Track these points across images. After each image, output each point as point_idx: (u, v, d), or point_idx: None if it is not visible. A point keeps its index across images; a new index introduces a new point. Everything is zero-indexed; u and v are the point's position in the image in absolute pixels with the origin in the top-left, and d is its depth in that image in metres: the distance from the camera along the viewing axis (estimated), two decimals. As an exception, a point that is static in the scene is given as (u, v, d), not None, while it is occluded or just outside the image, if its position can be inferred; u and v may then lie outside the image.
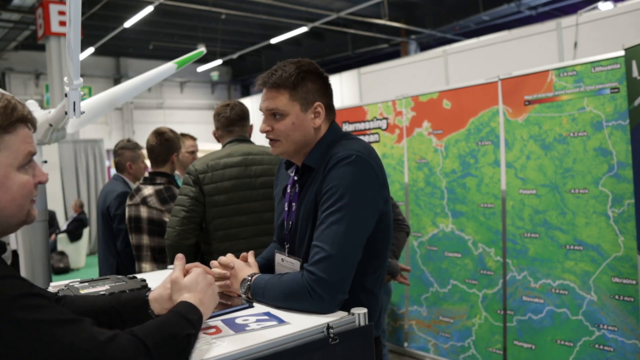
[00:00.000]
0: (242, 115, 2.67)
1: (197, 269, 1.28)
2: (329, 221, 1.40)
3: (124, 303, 1.23)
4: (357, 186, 1.42)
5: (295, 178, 1.61)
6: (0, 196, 1.01)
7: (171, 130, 3.06)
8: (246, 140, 2.66)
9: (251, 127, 2.76)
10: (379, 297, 1.58)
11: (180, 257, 1.30)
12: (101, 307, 1.22)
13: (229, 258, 1.57)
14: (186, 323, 1.08)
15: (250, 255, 1.62)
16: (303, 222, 1.53)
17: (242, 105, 2.70)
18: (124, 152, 3.47)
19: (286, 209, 1.62)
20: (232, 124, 2.65)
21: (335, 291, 1.35)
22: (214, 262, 1.59)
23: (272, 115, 1.53)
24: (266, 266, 1.70)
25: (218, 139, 2.73)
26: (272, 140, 1.56)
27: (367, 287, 1.53)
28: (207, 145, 9.38)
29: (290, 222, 1.59)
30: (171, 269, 2.00)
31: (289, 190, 1.63)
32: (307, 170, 1.57)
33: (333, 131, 1.59)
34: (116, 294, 1.29)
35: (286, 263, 1.58)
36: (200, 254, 2.65)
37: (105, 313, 1.21)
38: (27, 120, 1.07)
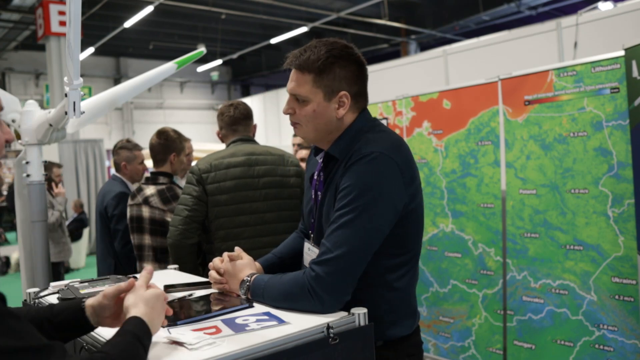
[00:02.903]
0: (246, 114, 2.67)
1: (157, 289, 1.20)
2: (341, 222, 1.38)
3: (57, 313, 1.19)
4: (373, 186, 1.38)
5: (322, 165, 1.57)
6: None
7: (174, 131, 3.06)
8: (250, 140, 2.66)
9: (255, 126, 2.75)
10: (408, 292, 1.53)
11: (150, 270, 1.22)
12: (33, 318, 1.17)
13: (219, 263, 1.57)
14: (141, 351, 1.04)
15: (242, 253, 1.61)
16: (325, 215, 1.51)
17: (245, 105, 2.70)
18: (121, 152, 3.48)
19: (313, 196, 1.60)
20: (236, 123, 2.65)
21: (336, 292, 1.35)
22: (211, 265, 1.60)
23: (295, 98, 1.51)
24: (276, 264, 1.69)
25: (222, 138, 2.73)
26: (294, 123, 1.54)
27: (393, 284, 1.48)
28: (207, 145, 9.38)
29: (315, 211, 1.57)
30: (172, 269, 2.02)
31: (315, 177, 1.60)
32: (331, 159, 1.53)
33: (362, 120, 1.53)
34: (49, 305, 1.24)
35: (311, 252, 1.56)
36: (202, 253, 2.65)
37: (35, 323, 1.15)
38: None
